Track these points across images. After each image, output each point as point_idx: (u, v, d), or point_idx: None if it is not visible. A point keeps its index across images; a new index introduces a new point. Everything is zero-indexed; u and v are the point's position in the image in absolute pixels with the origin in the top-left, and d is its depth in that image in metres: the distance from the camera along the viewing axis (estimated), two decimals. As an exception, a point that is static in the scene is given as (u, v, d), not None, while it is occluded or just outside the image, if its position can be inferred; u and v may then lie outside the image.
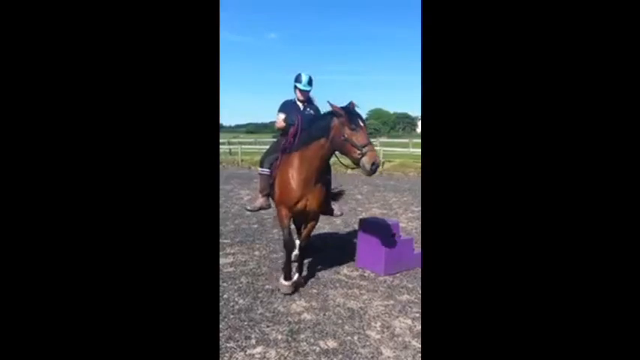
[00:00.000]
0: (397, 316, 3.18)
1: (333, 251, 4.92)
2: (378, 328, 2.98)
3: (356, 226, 4.98)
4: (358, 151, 3.10)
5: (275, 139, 4.34)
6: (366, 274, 4.05)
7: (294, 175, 3.49)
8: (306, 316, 3.16)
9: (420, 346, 2.72)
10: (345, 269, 4.24)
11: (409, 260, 4.27)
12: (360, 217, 4.30)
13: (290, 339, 2.78)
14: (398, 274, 4.08)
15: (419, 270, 4.19)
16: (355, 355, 2.60)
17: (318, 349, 2.66)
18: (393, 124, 76.60)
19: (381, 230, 4.19)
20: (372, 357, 2.58)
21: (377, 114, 74.05)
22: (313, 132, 3.41)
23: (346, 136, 3.16)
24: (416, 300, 3.51)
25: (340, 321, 3.08)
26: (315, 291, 3.67)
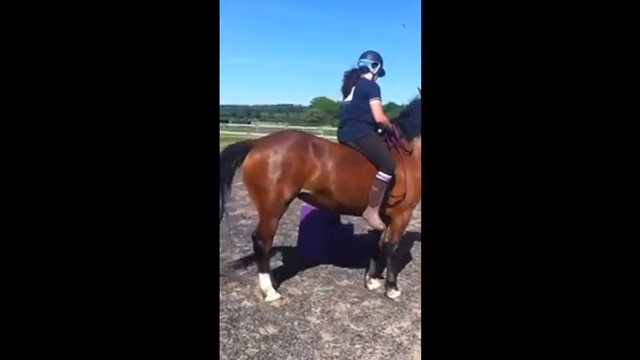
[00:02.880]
0: (337, 301, 3.25)
1: (275, 239, 4.90)
2: (318, 313, 3.03)
3: (298, 214, 5.00)
4: None
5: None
6: (307, 261, 4.09)
7: (420, 169, 3.27)
8: (246, 303, 3.14)
9: (358, 329, 2.81)
10: (287, 256, 4.26)
11: (350, 246, 4.38)
12: (303, 205, 4.37)
13: (229, 326, 2.76)
14: (339, 260, 4.17)
15: (359, 255, 4.31)
16: (295, 340, 2.63)
17: (257, 335, 2.66)
18: (337, 112, 76.94)
19: (322, 218, 4.24)
20: (311, 341, 2.63)
21: (321, 102, 74.16)
22: (418, 122, 3.31)
23: None
24: (355, 285, 3.61)
25: (280, 307, 3.09)
26: (255, 279, 3.64)
